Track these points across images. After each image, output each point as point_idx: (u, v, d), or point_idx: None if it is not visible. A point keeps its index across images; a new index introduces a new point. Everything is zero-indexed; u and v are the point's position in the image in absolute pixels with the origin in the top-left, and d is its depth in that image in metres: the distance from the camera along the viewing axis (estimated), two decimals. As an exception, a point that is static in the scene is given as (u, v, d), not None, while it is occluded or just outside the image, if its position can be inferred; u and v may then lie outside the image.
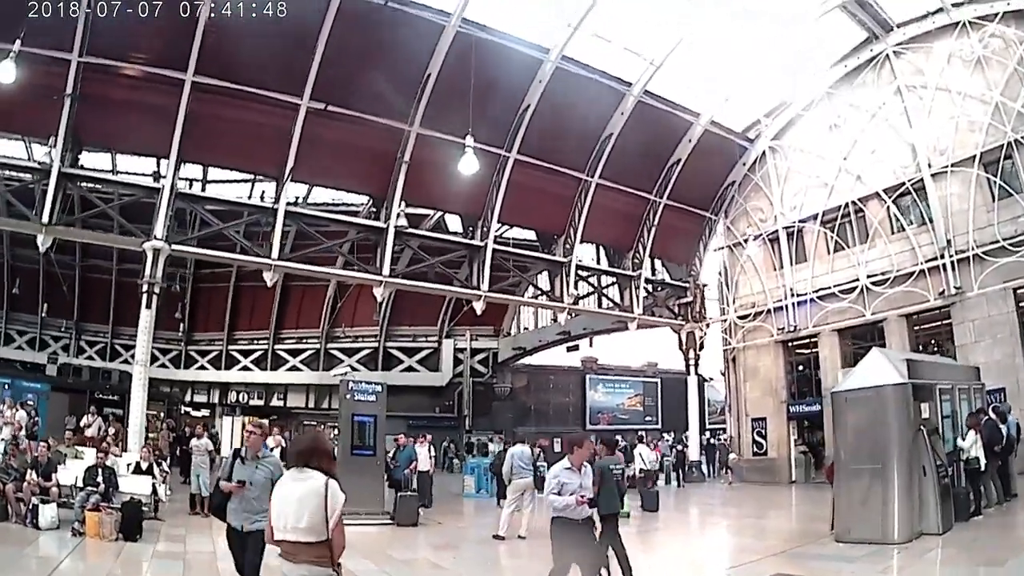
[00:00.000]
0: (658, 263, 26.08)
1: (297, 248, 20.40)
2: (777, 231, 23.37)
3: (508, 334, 37.51)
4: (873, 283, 20.39)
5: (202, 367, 39.68)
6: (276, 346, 38.50)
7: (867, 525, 9.41)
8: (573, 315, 33.44)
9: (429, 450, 17.81)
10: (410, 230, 19.46)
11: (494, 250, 19.89)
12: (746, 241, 24.01)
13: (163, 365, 38.83)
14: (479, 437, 33.06)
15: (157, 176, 20.28)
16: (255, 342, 39.15)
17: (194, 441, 14.55)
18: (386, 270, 18.80)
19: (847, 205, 21.48)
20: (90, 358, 36.23)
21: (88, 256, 34.19)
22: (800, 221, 22.84)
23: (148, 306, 16.27)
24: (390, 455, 15.94)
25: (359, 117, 17.83)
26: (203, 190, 25.99)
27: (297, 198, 24.30)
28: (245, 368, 38.95)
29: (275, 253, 17.79)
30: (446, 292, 22.19)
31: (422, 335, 37.21)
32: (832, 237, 21.95)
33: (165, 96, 16.00)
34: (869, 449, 9.54)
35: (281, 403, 39.39)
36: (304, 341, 38.35)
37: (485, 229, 19.78)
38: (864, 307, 20.62)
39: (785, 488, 21.63)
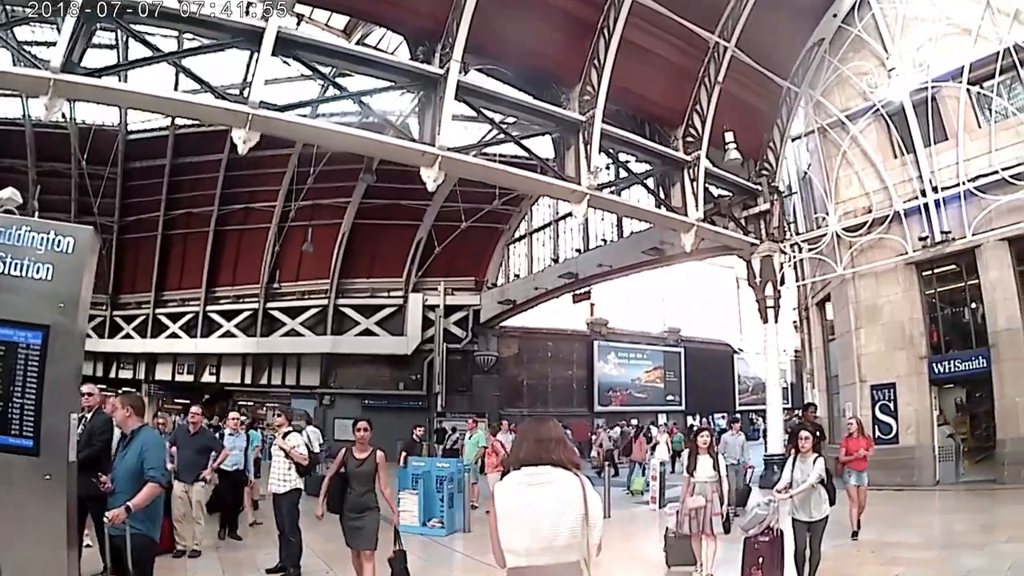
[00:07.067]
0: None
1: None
2: (898, 100, 15.23)
3: (493, 286, 28.86)
4: (1061, 160, 12.54)
5: (127, 335, 32.78)
6: (208, 307, 30.63)
7: None
8: (581, 248, 25.37)
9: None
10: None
11: (460, 86, 11.46)
12: (851, 118, 15.88)
13: (87, 334, 31.91)
14: (454, 422, 25.03)
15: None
16: (186, 303, 31.73)
17: None
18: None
19: (1003, 55, 13.46)
20: None
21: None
22: (934, 82, 14.76)
23: None
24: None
25: None
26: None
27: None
28: (173, 335, 31.60)
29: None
30: (368, 147, 12.52)
31: (383, 289, 28.80)
32: (989, 99, 13.97)
33: None
34: None
35: (213, 378, 31.66)
36: (241, 301, 30.40)
37: (446, 52, 11.47)
38: (1053, 197, 12.66)
39: (929, 495, 13.43)
